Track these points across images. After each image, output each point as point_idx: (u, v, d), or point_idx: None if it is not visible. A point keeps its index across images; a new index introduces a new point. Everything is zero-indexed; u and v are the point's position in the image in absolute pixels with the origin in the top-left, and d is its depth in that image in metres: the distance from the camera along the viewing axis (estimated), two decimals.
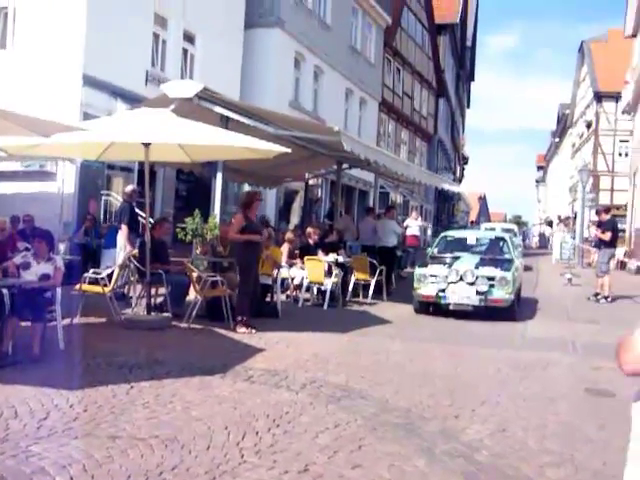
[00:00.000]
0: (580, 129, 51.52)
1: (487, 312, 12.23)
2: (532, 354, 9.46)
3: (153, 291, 10.47)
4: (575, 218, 37.57)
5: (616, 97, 41.56)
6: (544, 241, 63.24)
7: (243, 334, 9.44)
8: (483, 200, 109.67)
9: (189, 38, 19.30)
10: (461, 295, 12.17)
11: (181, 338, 9.27)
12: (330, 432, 5.50)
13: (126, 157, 13.08)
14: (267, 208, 21.26)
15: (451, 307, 12.38)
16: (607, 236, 16.00)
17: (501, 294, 12.09)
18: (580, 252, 29.66)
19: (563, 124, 65.24)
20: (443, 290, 12.23)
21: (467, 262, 12.76)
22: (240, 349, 8.66)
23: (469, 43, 56.34)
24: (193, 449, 4.89)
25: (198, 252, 12.15)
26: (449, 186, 24.88)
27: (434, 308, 12.80)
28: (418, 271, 12.87)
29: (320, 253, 13.65)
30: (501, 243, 14.58)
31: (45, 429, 5.12)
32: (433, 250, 14.60)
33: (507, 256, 13.62)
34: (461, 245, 14.40)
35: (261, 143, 9.08)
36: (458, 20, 46.29)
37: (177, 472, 4.46)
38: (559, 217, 62.68)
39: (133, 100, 14.99)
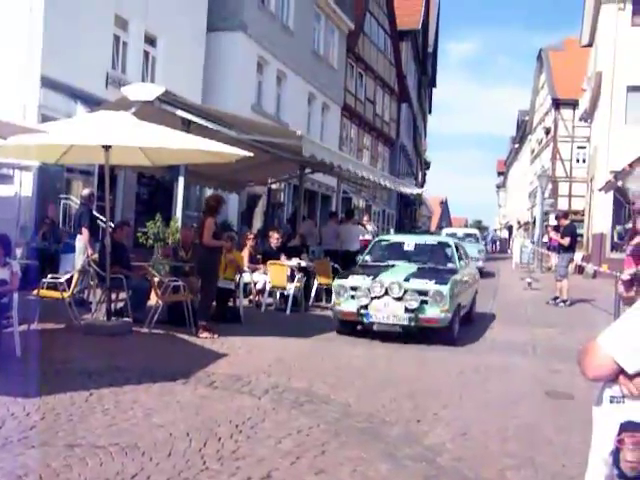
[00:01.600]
0: (539, 135, 52.32)
1: (421, 334, 10.23)
2: (493, 357, 9.55)
3: (113, 296, 10.32)
4: (534, 223, 38.07)
5: (574, 104, 42.30)
6: (504, 245, 64.03)
7: (205, 339, 9.37)
8: (445, 205, 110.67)
9: (150, 40, 19.15)
10: (387, 313, 9.97)
11: (142, 343, 9.16)
12: (293, 437, 5.47)
13: (86, 160, 12.93)
14: (229, 212, 21.14)
15: (375, 328, 10.35)
16: (566, 241, 16.22)
17: (435, 312, 9.87)
18: (539, 256, 30.08)
19: (522, 130, 66.23)
20: (365, 307, 10.02)
21: (397, 273, 10.59)
22: (202, 354, 8.58)
23: (431, 49, 56.82)
24: (154, 456, 4.82)
25: (159, 256, 12.05)
26: (410, 190, 25.03)
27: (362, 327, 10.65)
28: (337, 282, 10.66)
29: (283, 257, 13.61)
30: (445, 250, 12.25)
31: (0, 438, 5.01)
32: (364, 258, 12.41)
33: (450, 265, 11.53)
34: (398, 252, 12.11)
35: (223, 147, 9.01)
36: (420, 26, 46.63)
37: None
38: (519, 222, 63.63)
39: (93, 102, 14.82)
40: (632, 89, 25.90)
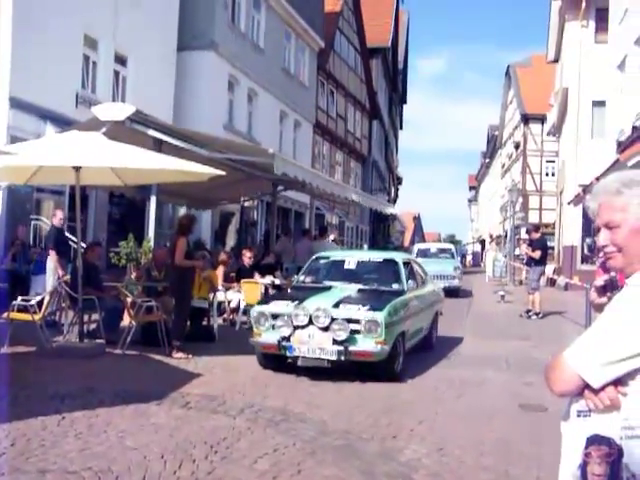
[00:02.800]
0: (509, 150, 52.88)
1: (355, 369, 8.63)
2: (467, 371, 9.56)
3: (86, 318, 10.20)
4: (506, 236, 38.45)
5: (542, 119, 42.88)
6: (477, 259, 64.49)
7: (179, 359, 9.30)
8: (418, 220, 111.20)
9: (121, 60, 19.06)
10: (312, 346, 8.30)
11: (115, 365, 9.07)
12: (269, 457, 5.43)
13: (56, 181, 12.82)
14: (202, 231, 21.07)
15: (299, 363, 8.56)
16: (537, 254, 16.40)
17: (369, 345, 8.23)
18: (512, 270, 30.33)
19: (493, 145, 66.92)
20: (287, 338, 8.40)
21: (327, 297, 8.96)
22: (176, 375, 8.51)
23: (401, 66, 57.33)
24: None
25: (132, 276, 11.97)
26: (383, 207, 25.15)
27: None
28: (256, 309, 9.04)
29: (257, 275, 13.59)
30: (392, 268, 10.28)
31: None
32: (299, 278, 10.74)
33: (395, 286, 9.72)
34: (338, 271, 10.40)
35: (195, 166, 8.99)
36: (389, 44, 47.04)
37: None
38: (491, 236, 64.13)
39: (63, 123, 14.67)
40: (597, 104, 26.25)
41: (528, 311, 16.52)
